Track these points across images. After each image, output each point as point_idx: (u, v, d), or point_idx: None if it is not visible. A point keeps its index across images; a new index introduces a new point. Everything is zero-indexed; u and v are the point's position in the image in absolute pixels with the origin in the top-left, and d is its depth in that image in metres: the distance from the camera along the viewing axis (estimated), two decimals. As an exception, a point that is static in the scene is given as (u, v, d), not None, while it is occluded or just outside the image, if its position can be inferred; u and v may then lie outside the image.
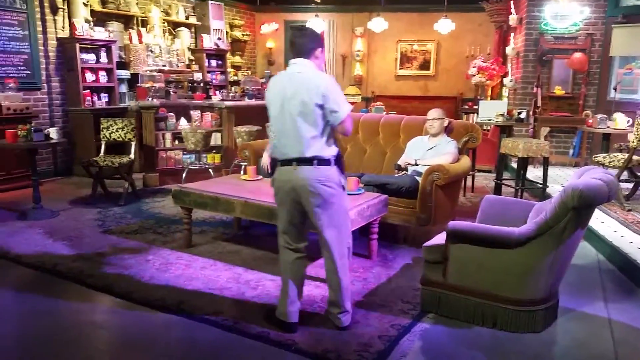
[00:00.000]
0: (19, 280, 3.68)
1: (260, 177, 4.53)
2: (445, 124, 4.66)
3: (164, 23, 8.72)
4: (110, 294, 3.37)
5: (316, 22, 9.76)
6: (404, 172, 4.58)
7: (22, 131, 4.91)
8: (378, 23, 9.76)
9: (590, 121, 6.36)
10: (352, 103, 9.79)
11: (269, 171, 4.13)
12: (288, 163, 2.79)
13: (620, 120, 5.99)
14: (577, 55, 7.54)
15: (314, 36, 2.88)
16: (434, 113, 4.66)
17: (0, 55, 6.41)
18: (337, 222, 2.87)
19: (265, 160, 4.79)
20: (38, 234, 4.54)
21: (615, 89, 6.88)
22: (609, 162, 5.24)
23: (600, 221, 4.74)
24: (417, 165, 4.46)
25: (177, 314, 3.09)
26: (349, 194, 3.86)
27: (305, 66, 2.82)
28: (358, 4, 10.74)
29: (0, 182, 6.01)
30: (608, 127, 6.02)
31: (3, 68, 6.45)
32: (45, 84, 6.99)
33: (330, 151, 2.81)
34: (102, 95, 7.47)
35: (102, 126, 6.08)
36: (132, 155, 5.93)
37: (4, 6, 6.40)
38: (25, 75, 6.70)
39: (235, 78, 10.27)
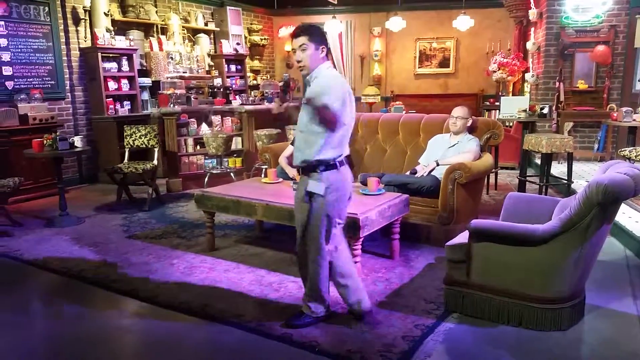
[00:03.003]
0: (46, 286, 3.76)
1: (280, 179, 4.55)
2: (469, 124, 4.57)
3: (183, 30, 8.83)
4: (136, 298, 3.42)
5: (333, 23, 9.78)
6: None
7: (48, 140, 5.03)
8: (396, 22, 9.71)
9: (615, 115, 6.23)
10: (371, 103, 9.80)
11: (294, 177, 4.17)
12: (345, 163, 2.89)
13: (646, 113, 5.85)
14: (600, 48, 7.40)
15: None
16: (459, 111, 4.55)
17: (25, 67, 6.57)
18: None
19: (285, 163, 4.80)
20: (65, 241, 4.64)
21: (640, 81, 6.73)
22: (636, 156, 5.12)
23: (628, 216, 4.64)
24: (439, 166, 4.38)
25: (202, 316, 3.12)
26: (369, 194, 3.87)
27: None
28: (375, 4, 10.71)
29: (27, 191, 6.15)
30: (634, 120, 5.89)
31: (29, 79, 6.61)
32: (69, 94, 7.14)
33: None
34: (125, 102, 7.60)
35: (125, 133, 6.19)
36: (155, 161, 6.02)
37: (29, 19, 6.57)
38: (49, 85, 6.85)
39: (255, 82, 10.34)
